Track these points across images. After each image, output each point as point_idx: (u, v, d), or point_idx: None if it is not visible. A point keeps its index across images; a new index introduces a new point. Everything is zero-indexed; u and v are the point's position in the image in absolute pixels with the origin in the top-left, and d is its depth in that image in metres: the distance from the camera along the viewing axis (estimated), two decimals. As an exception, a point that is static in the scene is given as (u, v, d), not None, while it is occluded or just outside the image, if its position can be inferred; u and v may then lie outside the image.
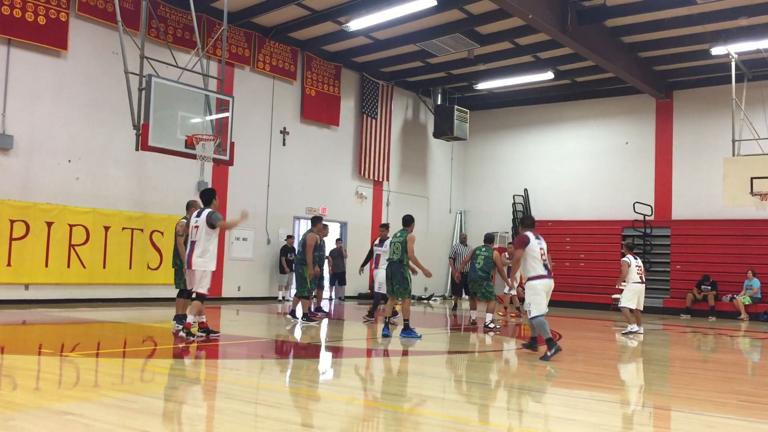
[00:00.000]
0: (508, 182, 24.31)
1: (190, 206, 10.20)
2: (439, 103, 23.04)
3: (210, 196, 9.62)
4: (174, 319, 10.31)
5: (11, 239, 13.72)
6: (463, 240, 16.76)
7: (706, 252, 19.67)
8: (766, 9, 15.58)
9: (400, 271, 10.83)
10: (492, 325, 12.50)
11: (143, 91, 11.35)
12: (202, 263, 9.25)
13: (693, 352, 11.67)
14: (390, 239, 11.43)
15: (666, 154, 21.56)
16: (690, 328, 15.49)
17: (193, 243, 9.33)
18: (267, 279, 18.62)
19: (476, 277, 12.82)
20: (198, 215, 9.43)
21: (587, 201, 22.80)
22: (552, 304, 20.51)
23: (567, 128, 23.59)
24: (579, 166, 23.14)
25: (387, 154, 22.29)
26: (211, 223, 9.22)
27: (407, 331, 10.73)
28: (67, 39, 14.53)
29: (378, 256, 13.27)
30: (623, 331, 12.78)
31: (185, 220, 10.03)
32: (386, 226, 13.75)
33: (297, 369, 8.02)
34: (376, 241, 13.71)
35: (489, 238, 13.43)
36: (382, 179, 22.25)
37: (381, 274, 12.61)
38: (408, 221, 11.26)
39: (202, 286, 9.32)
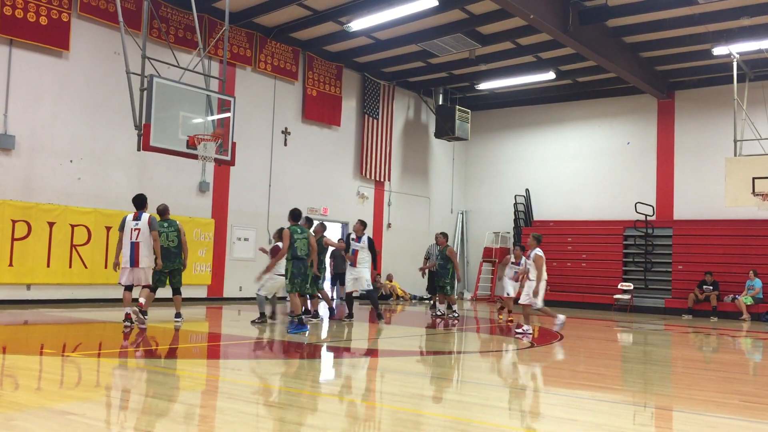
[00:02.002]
0: (509, 182, 24.31)
1: (164, 212, 11.22)
2: (440, 103, 23.05)
3: (144, 200, 10.69)
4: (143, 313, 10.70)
5: (13, 239, 13.74)
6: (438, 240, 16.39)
7: (707, 252, 19.65)
8: (768, 9, 15.58)
9: (309, 268, 10.93)
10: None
11: (145, 92, 11.37)
12: (149, 261, 10.47)
13: (695, 353, 11.66)
14: (295, 236, 10.67)
15: (668, 154, 21.55)
16: (692, 328, 15.48)
17: (136, 244, 10.40)
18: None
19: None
20: (138, 219, 10.49)
21: (589, 201, 22.79)
22: (554, 304, 20.55)
23: (568, 128, 23.59)
24: (580, 166, 23.13)
25: (388, 154, 22.30)
26: (152, 228, 10.44)
27: (297, 326, 10.53)
28: (68, 39, 14.54)
29: (356, 252, 13.04)
30: (518, 330, 11.72)
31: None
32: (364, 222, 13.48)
33: (299, 369, 8.02)
34: (353, 235, 13.30)
35: (300, 217, 11.20)
36: (384, 179, 22.26)
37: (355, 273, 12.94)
38: (298, 215, 10.99)
39: (149, 280, 10.63)
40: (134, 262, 10.39)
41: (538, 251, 11.57)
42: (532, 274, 11.62)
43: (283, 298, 11.41)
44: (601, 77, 21.09)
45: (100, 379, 6.94)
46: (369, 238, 13.31)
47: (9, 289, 13.76)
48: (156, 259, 10.55)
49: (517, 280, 13.81)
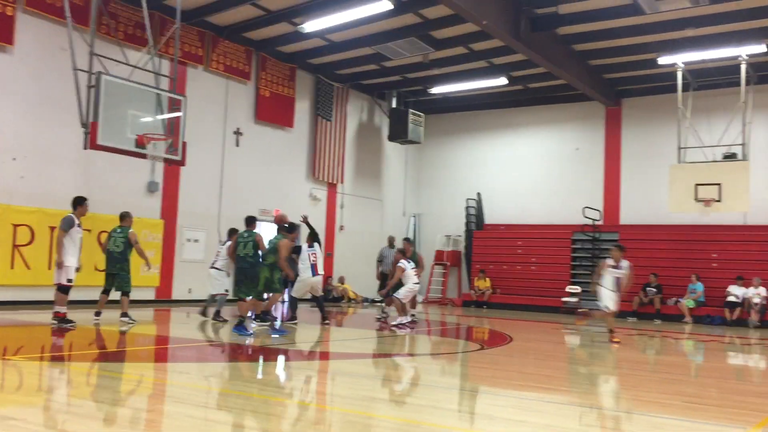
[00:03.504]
0: (461, 186, 24.51)
1: (121, 218, 11.89)
2: (394, 106, 23.10)
3: (74, 203, 11.11)
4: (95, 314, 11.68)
5: (-49, 239, 13.28)
6: (390, 242, 16.49)
7: (652, 256, 20.07)
8: (712, 21, 16.03)
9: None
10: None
11: (92, 89, 11.11)
12: (60, 258, 10.86)
13: (639, 355, 11.92)
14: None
15: (614, 160, 22.02)
16: (636, 330, 15.82)
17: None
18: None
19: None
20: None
21: (539, 205, 23.11)
22: (504, 306, 20.71)
23: (520, 133, 23.91)
24: (531, 170, 23.45)
25: (341, 156, 22.26)
26: (60, 227, 10.91)
27: (239, 327, 10.90)
28: (13, 34, 14.12)
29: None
30: (394, 323, 13.28)
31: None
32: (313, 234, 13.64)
33: (248, 372, 7.94)
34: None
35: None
36: (337, 181, 22.21)
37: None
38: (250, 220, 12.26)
39: (63, 278, 10.87)
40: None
41: (400, 263, 13.49)
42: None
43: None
44: (551, 84, 21.42)
45: (43, 383, 6.75)
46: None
47: (-53, 291, 13.30)
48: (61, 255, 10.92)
49: (618, 290, 12.20)
